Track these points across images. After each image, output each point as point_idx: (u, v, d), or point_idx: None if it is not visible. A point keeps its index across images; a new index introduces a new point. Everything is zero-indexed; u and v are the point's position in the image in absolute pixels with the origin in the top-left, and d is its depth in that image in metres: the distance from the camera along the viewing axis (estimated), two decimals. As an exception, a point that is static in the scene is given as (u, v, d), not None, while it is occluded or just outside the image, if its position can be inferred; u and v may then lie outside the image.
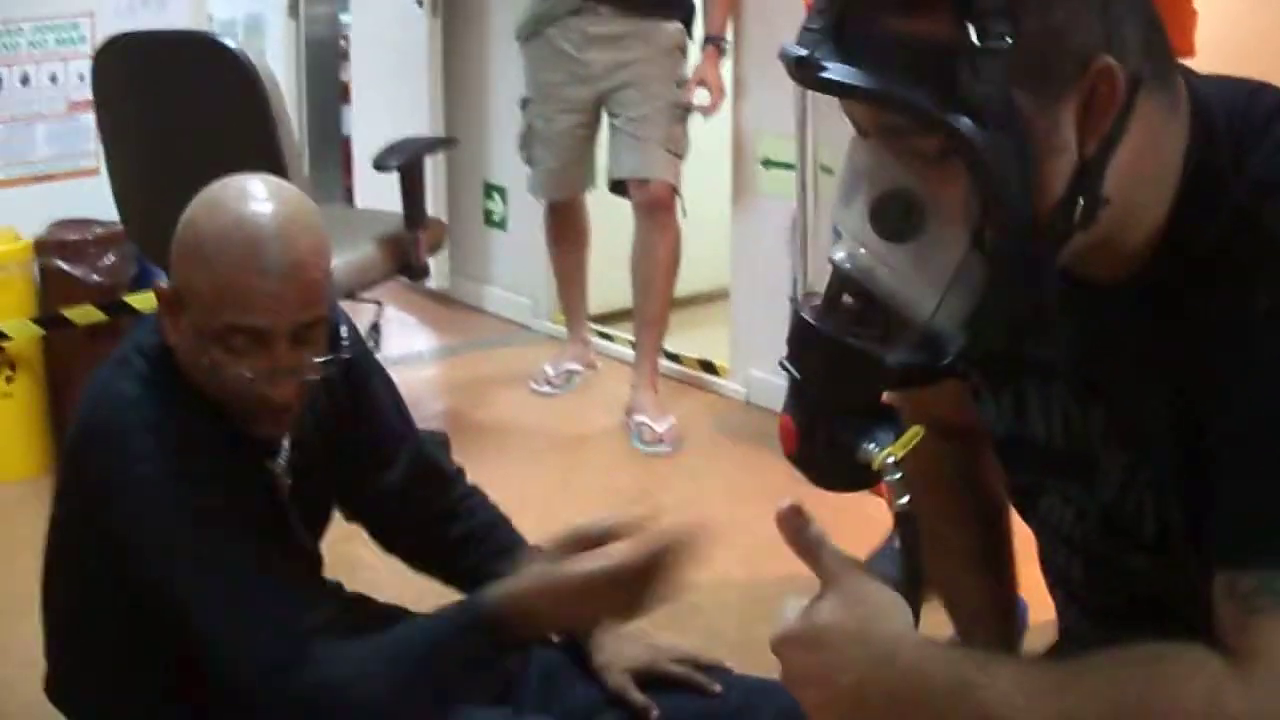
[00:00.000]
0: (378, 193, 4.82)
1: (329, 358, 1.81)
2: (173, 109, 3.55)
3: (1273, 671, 1.03)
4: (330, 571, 2.17)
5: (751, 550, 3.53)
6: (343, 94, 6.92)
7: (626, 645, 2.04)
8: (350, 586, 2.22)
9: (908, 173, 1.09)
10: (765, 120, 4.63)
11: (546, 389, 4.90)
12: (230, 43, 3.48)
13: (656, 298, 4.54)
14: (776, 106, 4.54)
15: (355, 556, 2.39)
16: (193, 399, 1.79)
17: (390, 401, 2.11)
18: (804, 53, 1.08)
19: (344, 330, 1.92)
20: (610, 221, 4.98)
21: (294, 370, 1.75)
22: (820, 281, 1.17)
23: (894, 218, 1.09)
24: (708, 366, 5.06)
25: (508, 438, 4.50)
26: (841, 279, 1.13)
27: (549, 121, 4.61)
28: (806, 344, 1.16)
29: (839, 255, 1.13)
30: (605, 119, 4.58)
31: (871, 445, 1.15)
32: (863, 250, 1.11)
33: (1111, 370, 1.23)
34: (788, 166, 4.50)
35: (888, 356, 1.13)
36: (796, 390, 1.19)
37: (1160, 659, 1.06)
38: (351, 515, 2.16)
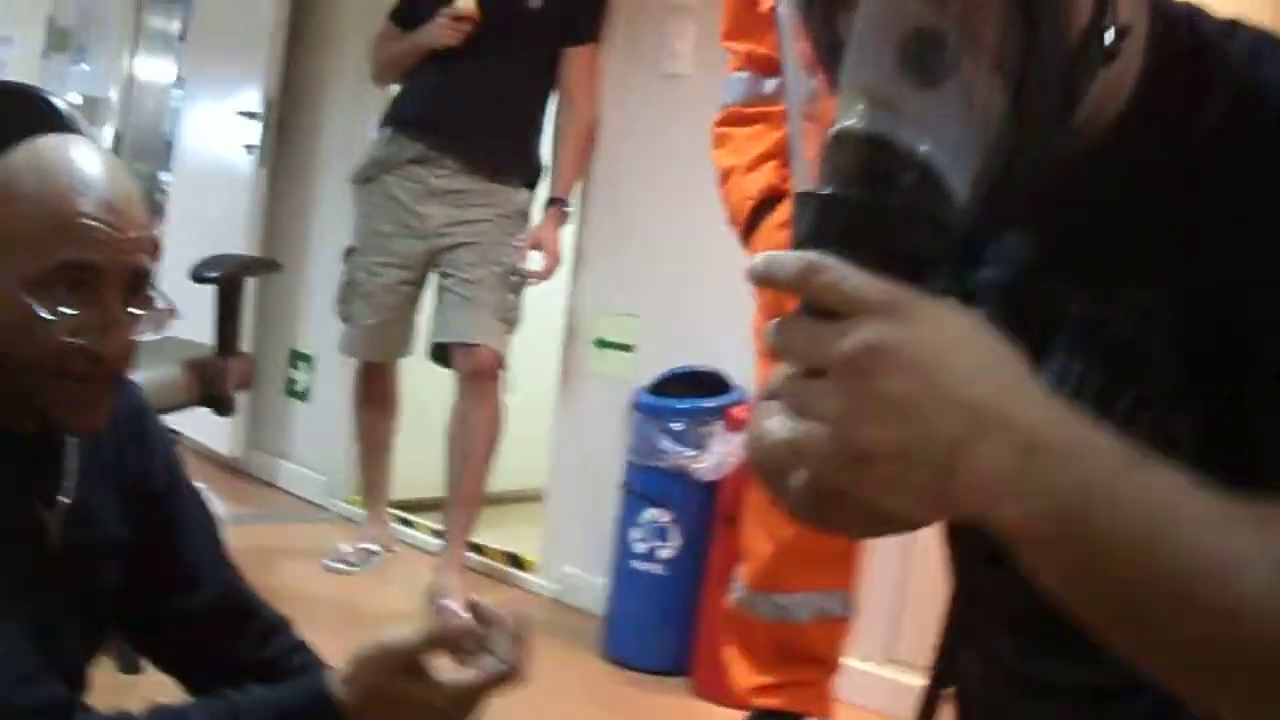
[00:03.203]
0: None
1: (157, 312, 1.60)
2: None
3: None
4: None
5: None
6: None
7: None
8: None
9: (933, 8, 0.90)
10: (603, 297, 4.44)
11: (342, 566, 4.53)
12: (59, 102, 3.17)
13: (472, 474, 4.22)
14: (615, 282, 4.37)
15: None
16: None
17: (203, 522, 1.87)
18: None
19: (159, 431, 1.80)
20: (421, 400, 4.72)
21: (128, 323, 1.54)
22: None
23: (925, 57, 0.89)
24: (515, 560, 4.75)
25: (301, 610, 4.07)
26: (860, 144, 0.87)
27: (373, 275, 4.36)
28: (831, 223, 0.86)
29: (854, 122, 0.87)
30: (434, 279, 4.34)
31: None
32: (884, 109, 0.88)
33: (1088, 274, 1.06)
34: (624, 348, 4.30)
35: (936, 210, 0.87)
36: None
37: None
38: (156, 652, 1.89)
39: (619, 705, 3.63)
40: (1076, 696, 1.14)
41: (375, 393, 4.58)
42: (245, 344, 4.70)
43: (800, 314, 0.83)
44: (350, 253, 4.45)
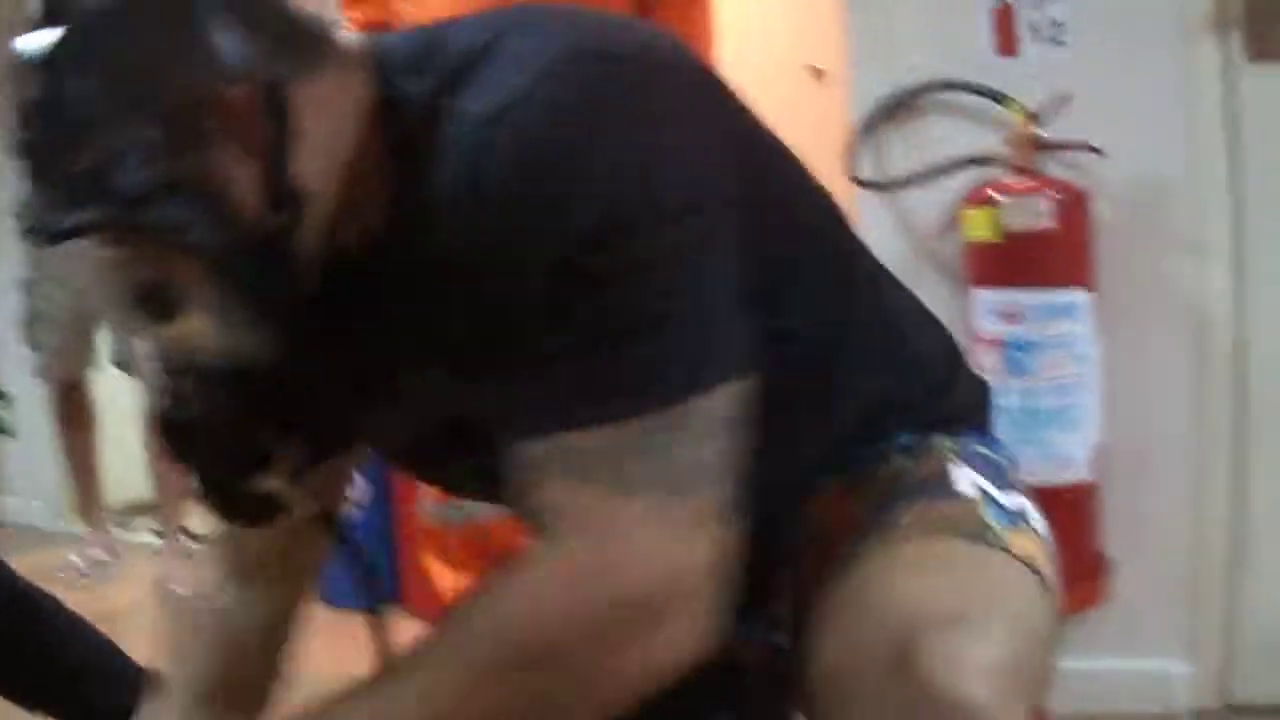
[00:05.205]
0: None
1: None
2: None
3: (577, 525, 1.06)
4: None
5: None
6: None
7: None
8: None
9: (138, 266, 1.07)
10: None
11: (79, 581, 4.62)
12: None
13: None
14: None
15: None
16: None
17: None
18: (33, 223, 1.05)
19: None
20: (118, 408, 4.84)
21: None
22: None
23: (157, 303, 1.08)
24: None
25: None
26: (167, 371, 1.21)
27: (51, 300, 4.53)
28: (176, 435, 1.24)
29: (151, 358, 1.24)
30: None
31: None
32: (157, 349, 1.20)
33: (369, 341, 1.22)
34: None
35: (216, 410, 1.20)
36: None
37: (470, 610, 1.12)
38: None
39: (337, 639, 3.90)
40: None
41: (72, 410, 4.76)
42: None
43: None
44: (28, 284, 4.59)
